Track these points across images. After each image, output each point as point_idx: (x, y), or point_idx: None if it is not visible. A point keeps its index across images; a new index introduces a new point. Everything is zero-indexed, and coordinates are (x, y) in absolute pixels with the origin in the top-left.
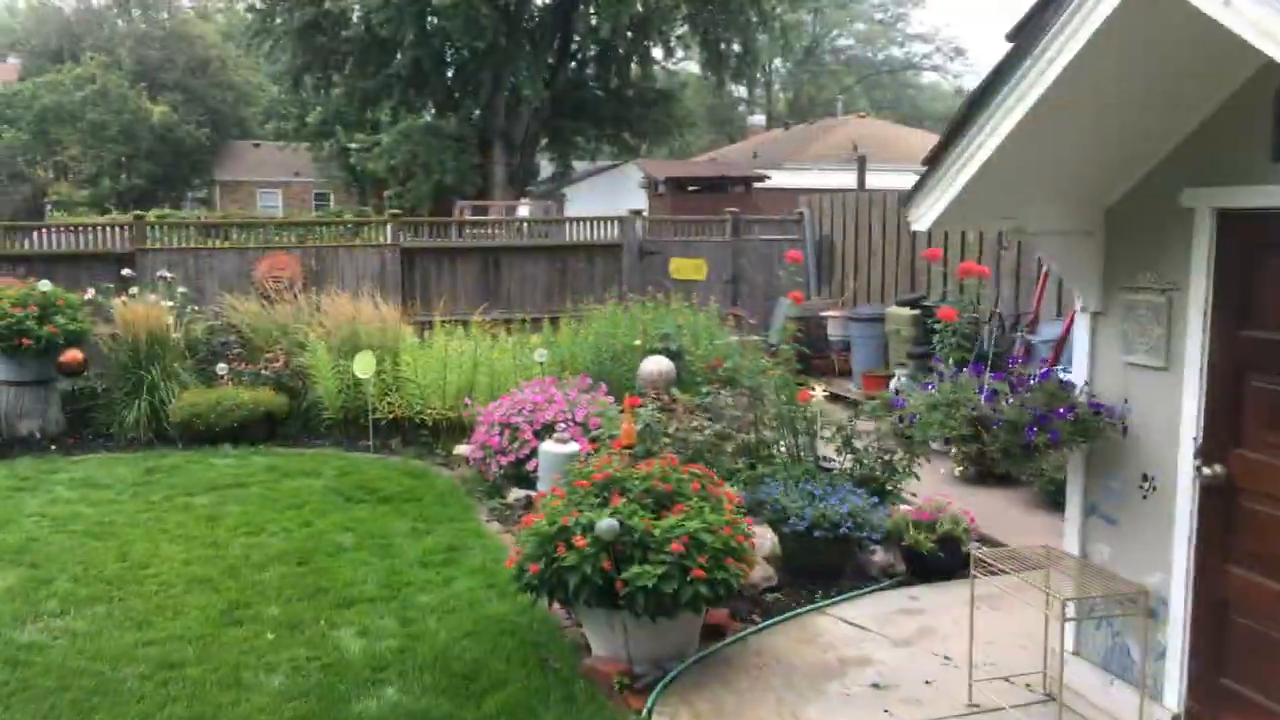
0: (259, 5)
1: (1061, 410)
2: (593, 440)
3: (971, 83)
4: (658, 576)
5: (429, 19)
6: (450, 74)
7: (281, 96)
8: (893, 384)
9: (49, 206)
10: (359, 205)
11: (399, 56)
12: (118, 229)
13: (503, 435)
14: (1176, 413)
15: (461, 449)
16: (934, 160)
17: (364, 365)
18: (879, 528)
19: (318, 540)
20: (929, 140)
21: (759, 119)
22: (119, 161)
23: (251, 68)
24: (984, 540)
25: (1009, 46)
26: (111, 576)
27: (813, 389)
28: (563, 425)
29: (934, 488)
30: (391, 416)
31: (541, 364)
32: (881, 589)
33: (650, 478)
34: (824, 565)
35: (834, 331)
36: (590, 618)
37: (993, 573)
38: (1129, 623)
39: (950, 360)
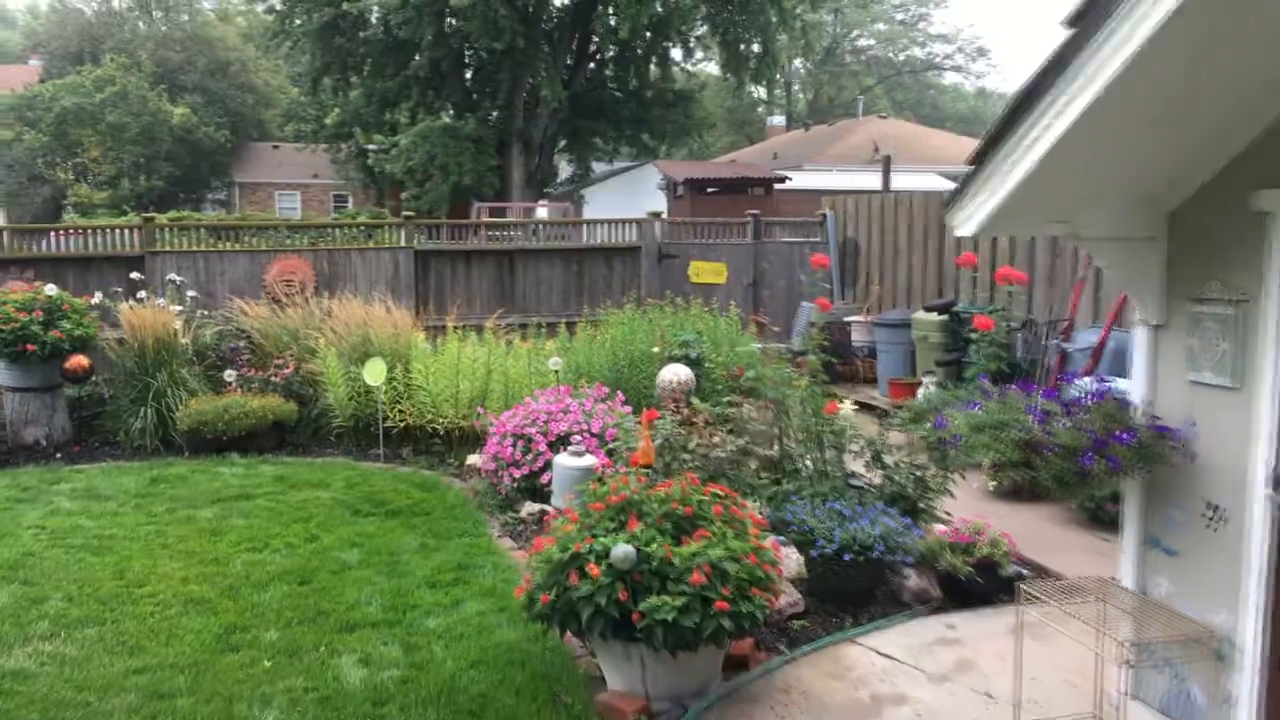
0: (278, 6)
1: (1121, 434)
2: (609, 453)
3: (995, 83)
4: (677, 609)
5: (447, 20)
6: (469, 75)
7: (301, 98)
8: (920, 392)
9: (69, 208)
10: (376, 207)
11: (417, 58)
12: (128, 231)
13: (515, 446)
14: (1248, 437)
15: (474, 459)
16: (980, 159)
17: (374, 372)
18: (912, 550)
19: (322, 557)
20: (952, 141)
21: (779, 120)
22: (138, 163)
23: (272, 70)
24: (1023, 563)
25: (1067, 33)
26: (107, 595)
27: (842, 401)
28: (578, 437)
29: (966, 503)
30: (403, 425)
31: (556, 372)
32: (915, 616)
33: (669, 500)
34: (854, 590)
35: (859, 337)
36: (605, 650)
37: (1034, 601)
38: (1193, 665)
39: (983, 370)
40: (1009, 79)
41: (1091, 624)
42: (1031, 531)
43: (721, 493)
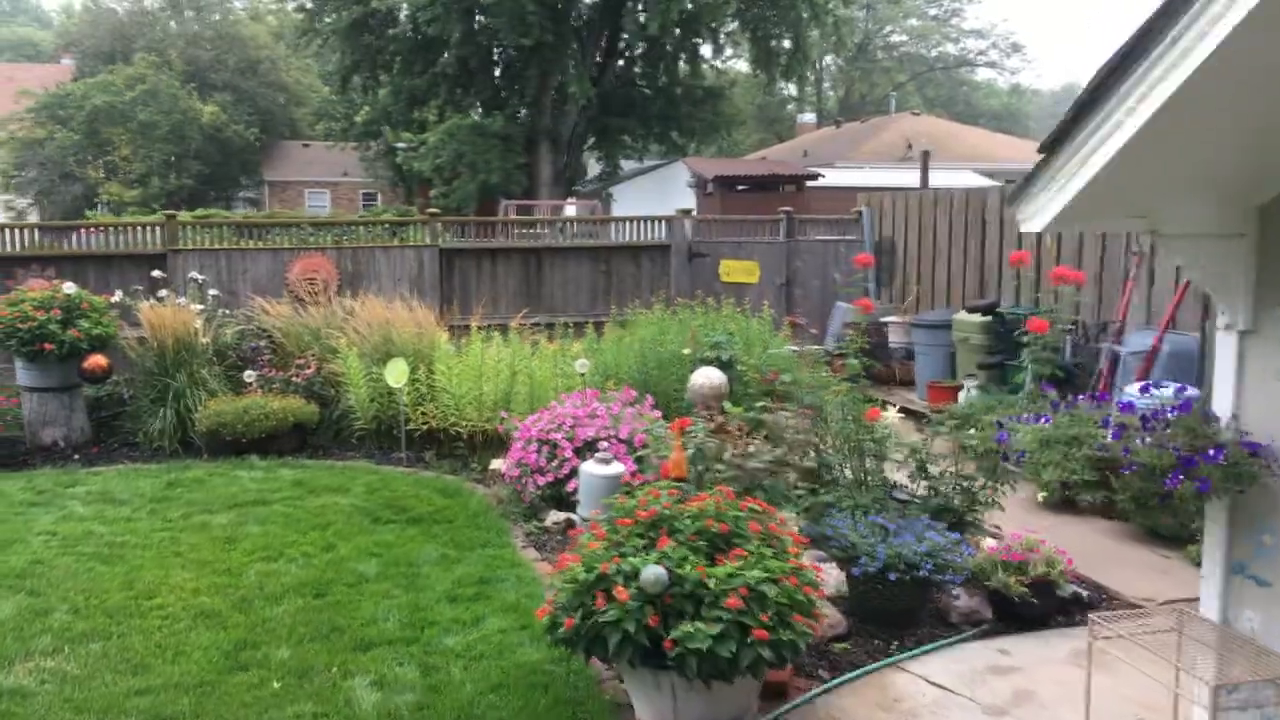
0: (308, 4)
1: (1210, 452)
2: (638, 461)
3: (1029, 80)
4: (713, 637)
5: (476, 17)
6: (497, 73)
7: (331, 96)
8: (962, 396)
9: (100, 206)
10: (405, 204)
11: (446, 55)
12: (150, 229)
13: (540, 452)
14: None
15: (498, 464)
16: (1053, 147)
17: (396, 374)
18: (962, 570)
19: (339, 568)
20: (987, 139)
21: (809, 117)
22: (168, 161)
23: (303, 69)
24: (1080, 580)
25: (1159, 3)
26: (114, 608)
27: (885, 407)
28: (605, 443)
29: (1014, 515)
30: (426, 427)
31: (583, 375)
32: (965, 639)
33: (703, 515)
34: (898, 610)
35: (895, 338)
36: (634, 676)
37: (1100, 628)
38: None
39: (1034, 376)
40: (1044, 75)
41: (1170, 659)
42: (1086, 546)
43: (759, 507)
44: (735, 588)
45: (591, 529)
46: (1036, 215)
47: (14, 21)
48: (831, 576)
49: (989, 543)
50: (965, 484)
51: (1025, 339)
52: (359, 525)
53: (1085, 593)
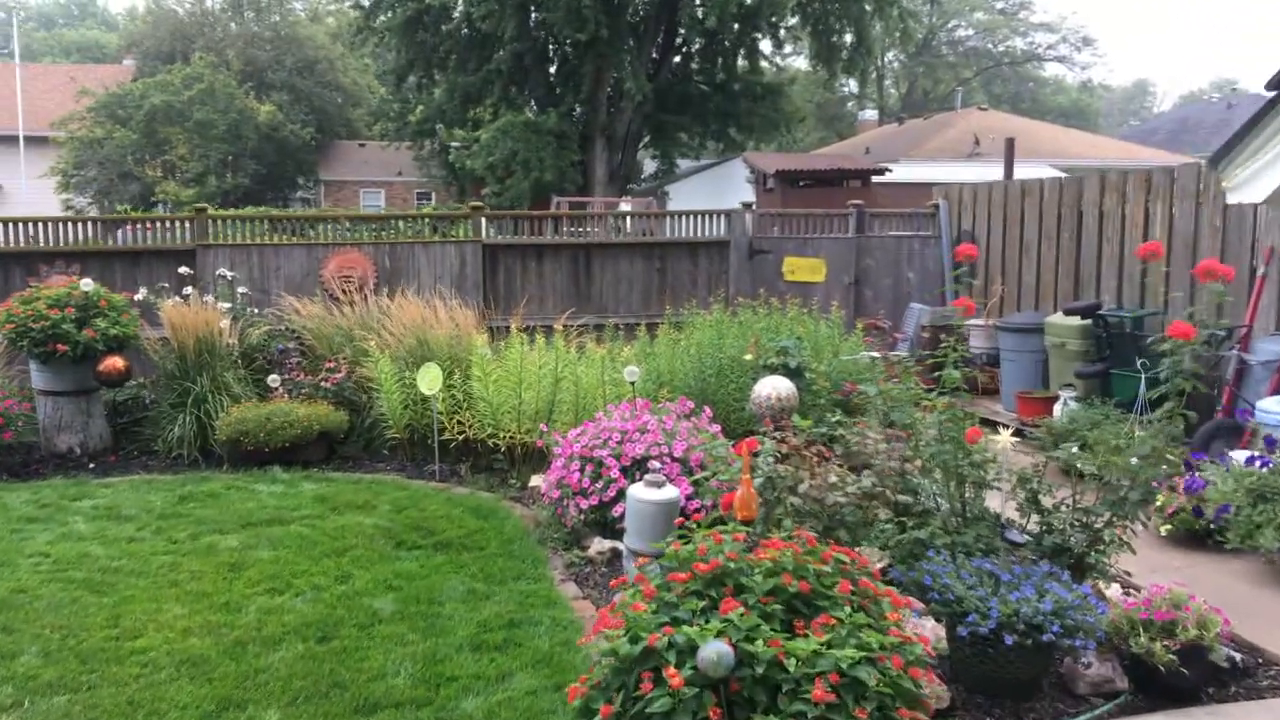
0: (364, 2)
1: None
2: (694, 484)
3: (1100, 75)
4: None
5: (530, 12)
6: (552, 69)
7: (386, 96)
8: (1058, 409)
9: (158, 205)
10: (456, 203)
11: (500, 52)
12: (179, 224)
13: (584, 471)
14: None
15: (538, 480)
16: None
17: (429, 380)
18: (1094, 633)
19: (351, 604)
20: (1061, 134)
21: (870, 114)
22: (225, 160)
23: (360, 69)
24: (1231, 640)
25: None
26: (90, 651)
27: (999, 429)
28: (657, 463)
29: (1137, 550)
30: (462, 438)
31: (633, 384)
32: (1097, 718)
33: (778, 570)
34: (1013, 679)
35: (977, 343)
36: None
37: None
38: None
39: (1175, 392)
40: (1115, 71)
41: None
42: (1229, 593)
43: (847, 557)
44: (823, 672)
45: (638, 581)
46: (1256, 179)
47: (82, 25)
48: (927, 628)
49: (1114, 591)
50: (1085, 519)
51: (1165, 347)
52: (380, 551)
53: (1238, 655)
